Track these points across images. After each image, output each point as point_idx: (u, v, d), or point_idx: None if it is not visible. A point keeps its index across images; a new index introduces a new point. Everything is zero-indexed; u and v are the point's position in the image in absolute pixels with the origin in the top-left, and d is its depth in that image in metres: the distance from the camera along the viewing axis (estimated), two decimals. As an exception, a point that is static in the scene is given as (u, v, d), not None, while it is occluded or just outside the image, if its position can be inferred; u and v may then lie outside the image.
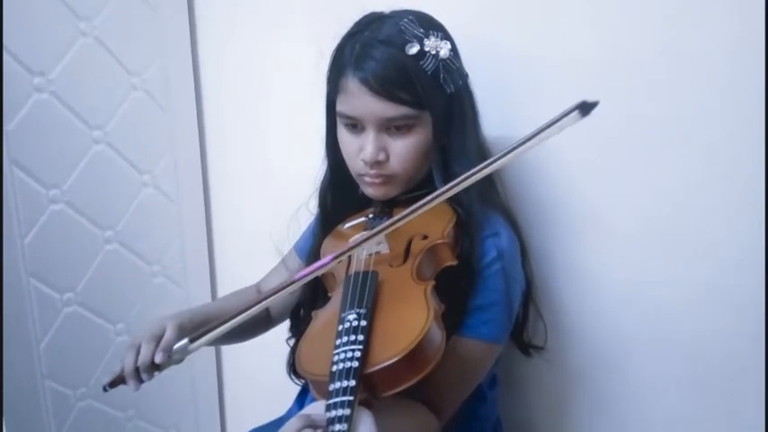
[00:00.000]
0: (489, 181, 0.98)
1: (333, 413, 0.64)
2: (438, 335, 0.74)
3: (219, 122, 1.71)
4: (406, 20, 0.91)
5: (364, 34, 0.92)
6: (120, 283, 1.64)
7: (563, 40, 1.05)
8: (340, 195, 1.06)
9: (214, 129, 1.72)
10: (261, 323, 1.19)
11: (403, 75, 0.89)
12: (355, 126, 0.95)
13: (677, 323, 1.02)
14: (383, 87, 0.89)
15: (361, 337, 0.71)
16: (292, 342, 1.11)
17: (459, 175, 0.91)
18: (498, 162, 0.78)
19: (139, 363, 0.89)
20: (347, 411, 0.63)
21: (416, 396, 0.87)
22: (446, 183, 0.93)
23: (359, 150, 0.95)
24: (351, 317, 0.75)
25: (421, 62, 0.89)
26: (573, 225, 1.10)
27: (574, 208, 1.09)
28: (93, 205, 1.55)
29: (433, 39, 0.90)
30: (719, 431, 1.01)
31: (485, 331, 0.92)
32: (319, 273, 0.83)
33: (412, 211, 0.80)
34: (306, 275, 0.82)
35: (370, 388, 0.70)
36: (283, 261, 1.21)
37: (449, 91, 0.92)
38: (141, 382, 0.90)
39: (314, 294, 1.03)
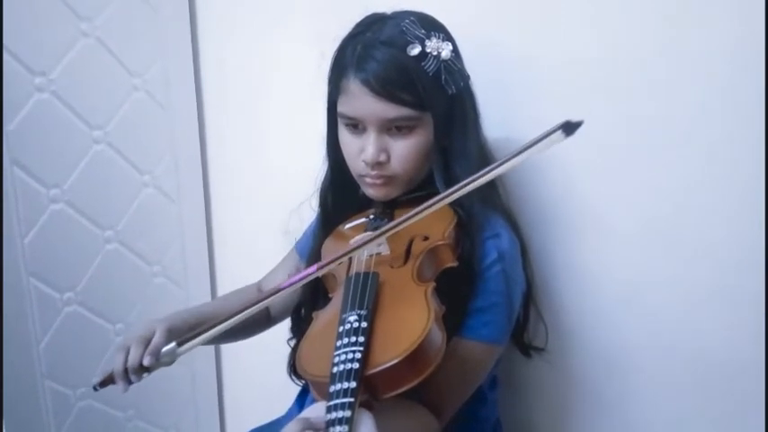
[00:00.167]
0: (490, 182, 0.98)
1: (333, 415, 0.64)
2: (439, 336, 0.73)
3: (220, 123, 1.71)
4: (407, 21, 0.91)
5: (366, 35, 0.92)
6: (121, 283, 1.64)
7: (563, 41, 1.05)
8: (341, 196, 1.06)
9: (214, 129, 1.72)
10: (260, 322, 1.19)
11: (404, 76, 0.88)
12: (356, 127, 0.94)
13: (678, 324, 1.02)
14: (384, 88, 0.88)
15: (361, 339, 0.71)
16: (293, 342, 1.11)
17: (460, 177, 0.92)
18: (484, 177, 0.80)
19: (128, 365, 0.90)
20: (348, 413, 0.63)
21: (417, 397, 0.87)
22: (447, 184, 0.94)
23: (360, 151, 0.94)
24: (351, 318, 0.75)
25: (422, 63, 0.89)
26: (573, 226, 1.10)
27: (574, 209, 1.09)
28: (93, 205, 1.55)
29: (434, 40, 0.90)
30: (720, 431, 1.02)
31: (485, 333, 0.92)
32: (305, 281, 0.84)
33: (413, 215, 0.80)
34: (292, 284, 0.83)
35: (370, 389, 0.70)
36: (285, 260, 1.22)
37: (450, 92, 0.92)
38: (130, 383, 0.91)
39: (314, 295, 1.03)
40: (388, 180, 0.96)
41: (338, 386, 0.66)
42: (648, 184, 1.00)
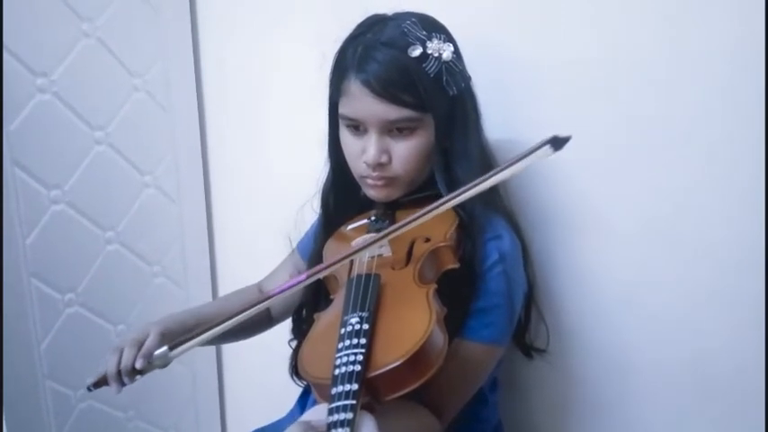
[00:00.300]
0: None
1: (335, 417, 0.63)
2: (440, 338, 0.73)
3: (221, 123, 1.71)
4: (408, 22, 0.91)
5: (366, 36, 0.92)
6: (122, 284, 1.64)
7: (563, 41, 1.05)
8: (342, 197, 1.06)
9: (215, 130, 1.72)
10: (261, 323, 1.19)
11: (405, 77, 0.88)
12: (357, 128, 0.94)
13: (678, 324, 1.02)
14: (385, 89, 0.88)
15: (363, 341, 0.71)
16: (294, 343, 1.11)
17: (461, 178, 0.93)
18: (473, 189, 0.80)
19: (121, 367, 0.90)
20: (350, 415, 0.63)
21: (418, 399, 0.87)
22: (448, 185, 0.94)
23: (361, 152, 0.95)
24: (353, 320, 0.74)
25: (423, 64, 0.89)
26: (574, 227, 1.10)
27: (575, 210, 1.09)
28: (94, 206, 1.55)
29: (435, 41, 0.90)
30: (721, 431, 1.02)
31: (486, 334, 0.92)
32: (296, 288, 0.84)
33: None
34: (282, 291, 0.84)
35: (372, 391, 0.70)
36: (287, 259, 1.22)
37: (451, 93, 0.92)
38: (123, 384, 0.92)
39: (316, 296, 1.03)
40: (390, 181, 0.96)
41: (340, 388, 0.66)
42: (648, 185, 1.00)
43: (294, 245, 1.20)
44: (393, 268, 0.87)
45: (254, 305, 0.84)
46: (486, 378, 0.99)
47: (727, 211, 0.94)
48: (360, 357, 0.69)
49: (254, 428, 1.17)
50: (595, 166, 1.05)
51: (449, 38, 0.93)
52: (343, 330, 0.74)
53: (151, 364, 0.90)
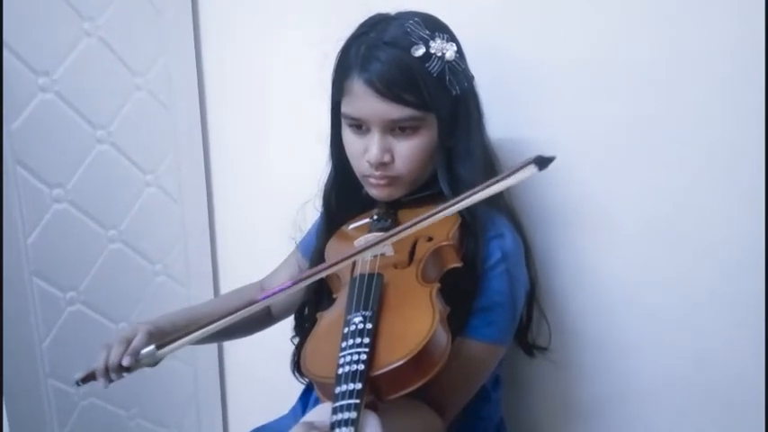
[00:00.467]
0: None
1: (339, 416, 0.64)
2: (444, 337, 0.73)
3: (222, 122, 1.71)
4: (411, 21, 0.91)
5: (369, 36, 0.92)
6: (123, 283, 1.64)
7: (564, 41, 1.05)
8: (344, 196, 1.06)
9: (217, 129, 1.72)
10: (261, 321, 1.19)
11: (408, 76, 0.88)
12: (360, 127, 0.95)
13: (679, 324, 1.02)
14: (388, 89, 0.89)
15: (366, 340, 0.71)
16: (296, 341, 1.11)
17: (464, 177, 0.93)
18: (457, 205, 0.80)
19: (108, 363, 0.92)
20: (353, 414, 0.63)
21: (421, 397, 0.87)
22: (451, 184, 0.95)
23: (364, 151, 0.95)
24: (356, 319, 0.75)
25: (426, 64, 0.89)
26: (575, 226, 1.10)
27: (576, 209, 1.09)
28: (96, 204, 1.55)
29: (438, 41, 0.90)
30: (721, 431, 1.02)
31: (489, 333, 0.92)
32: (284, 294, 0.86)
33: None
34: (271, 295, 0.85)
35: (375, 390, 0.70)
36: (290, 257, 1.22)
37: (454, 93, 0.92)
38: (110, 381, 0.94)
39: (318, 295, 1.03)
40: (392, 180, 0.96)
41: (344, 387, 0.66)
42: (649, 184, 1.01)
43: (297, 243, 1.21)
44: (396, 267, 0.87)
45: (243, 308, 0.86)
46: (489, 376, 0.99)
47: (727, 211, 0.94)
48: (363, 356, 0.69)
49: (255, 426, 1.18)
50: (596, 166, 1.06)
51: (452, 37, 0.93)
52: (346, 329, 0.74)
53: (138, 362, 0.92)
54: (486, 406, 1.04)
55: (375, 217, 1.01)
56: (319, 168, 1.08)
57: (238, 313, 0.86)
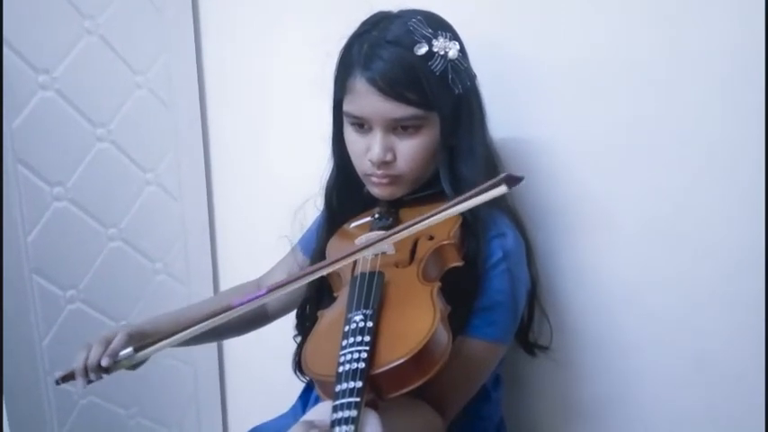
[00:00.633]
0: None
1: (339, 414, 0.64)
2: (444, 336, 0.73)
3: (223, 121, 1.71)
4: (414, 20, 0.90)
5: (372, 34, 0.92)
6: (123, 281, 1.64)
7: (564, 41, 1.05)
8: (346, 195, 1.06)
9: (217, 127, 1.72)
10: (256, 320, 1.19)
11: (411, 75, 0.88)
12: (362, 126, 0.94)
13: (679, 324, 1.02)
14: (391, 88, 0.88)
15: (367, 339, 0.71)
16: (298, 339, 1.11)
17: (466, 176, 0.93)
18: (433, 218, 0.80)
19: (87, 363, 0.93)
20: (354, 413, 0.63)
21: (421, 396, 0.87)
22: (453, 183, 0.95)
23: (366, 150, 0.95)
24: (357, 318, 0.75)
25: (429, 63, 0.89)
26: (576, 225, 1.10)
27: (577, 208, 1.09)
28: (96, 203, 1.55)
29: (441, 39, 0.90)
30: (721, 431, 1.02)
31: (490, 332, 0.92)
32: (267, 299, 0.86)
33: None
34: (243, 303, 0.85)
35: (376, 389, 0.70)
36: (287, 256, 1.22)
37: (457, 92, 0.92)
38: (89, 381, 0.94)
39: (319, 293, 1.04)
40: (394, 179, 0.96)
41: (344, 386, 0.66)
42: (649, 184, 1.01)
43: (293, 243, 1.21)
44: (397, 266, 0.87)
45: (218, 314, 0.86)
46: (489, 375, 0.99)
47: (727, 211, 0.94)
48: (364, 355, 0.69)
49: (255, 425, 1.18)
50: (596, 165, 1.06)
51: (454, 36, 0.93)
52: (347, 328, 0.74)
53: (117, 363, 0.93)
54: (486, 405, 1.04)
55: (376, 216, 1.01)
56: (320, 167, 1.08)
57: (214, 319, 0.87)
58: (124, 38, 1.52)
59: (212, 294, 1.81)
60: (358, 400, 0.65)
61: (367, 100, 0.91)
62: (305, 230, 1.21)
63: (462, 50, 0.93)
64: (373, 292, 0.79)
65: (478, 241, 0.92)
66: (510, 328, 0.97)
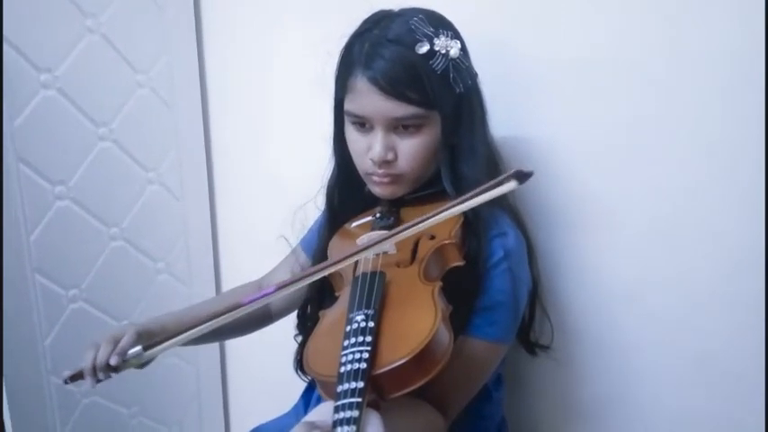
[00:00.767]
0: None
1: (341, 414, 0.64)
2: (446, 336, 0.73)
3: (224, 120, 1.71)
4: (415, 18, 0.90)
5: (373, 33, 0.91)
6: (125, 280, 1.64)
7: (565, 40, 1.05)
8: (347, 194, 1.06)
9: (219, 126, 1.72)
10: (260, 320, 1.19)
11: (412, 74, 0.88)
12: (364, 125, 0.94)
13: (680, 324, 1.02)
14: (392, 87, 0.88)
15: (369, 339, 0.71)
16: (300, 339, 1.11)
17: (467, 175, 0.93)
18: (437, 217, 0.79)
19: (96, 363, 0.92)
20: (355, 413, 0.63)
21: (423, 396, 0.87)
22: (454, 182, 0.94)
23: (367, 149, 0.94)
24: (358, 318, 0.74)
25: (431, 61, 0.89)
26: (577, 225, 1.10)
27: (578, 208, 1.09)
28: (98, 202, 1.55)
29: (443, 38, 0.90)
30: (721, 431, 1.02)
31: (491, 331, 0.92)
32: (274, 298, 0.85)
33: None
34: (252, 302, 0.85)
35: (377, 389, 0.70)
36: (289, 257, 1.22)
37: (458, 90, 0.92)
38: (98, 380, 0.94)
39: (321, 293, 1.03)
40: (395, 178, 0.96)
41: (346, 386, 0.66)
42: (649, 184, 1.01)
43: (292, 244, 1.21)
44: (398, 266, 0.87)
45: (226, 312, 0.86)
46: (491, 375, 0.99)
47: (727, 212, 0.94)
48: (365, 355, 0.69)
49: (257, 424, 1.18)
50: (597, 165, 1.06)
51: (456, 34, 0.93)
52: (348, 328, 0.74)
53: (126, 362, 0.92)
54: (487, 405, 1.04)
55: (378, 215, 1.01)
56: (321, 166, 1.08)
57: (223, 317, 0.86)
58: (126, 37, 1.52)
59: (214, 294, 1.81)
60: (359, 400, 0.65)
61: (368, 99, 0.90)
62: (306, 230, 1.21)
63: (464, 49, 0.93)
64: (375, 292, 0.79)
65: (479, 241, 0.92)
66: (511, 328, 0.97)
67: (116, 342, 0.93)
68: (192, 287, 1.77)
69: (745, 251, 0.94)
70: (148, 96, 1.59)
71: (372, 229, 0.97)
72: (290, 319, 1.16)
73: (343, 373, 0.68)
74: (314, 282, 0.89)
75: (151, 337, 0.94)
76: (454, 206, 0.78)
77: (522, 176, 0.72)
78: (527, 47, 1.10)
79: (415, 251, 0.89)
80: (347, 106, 0.95)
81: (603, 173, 1.06)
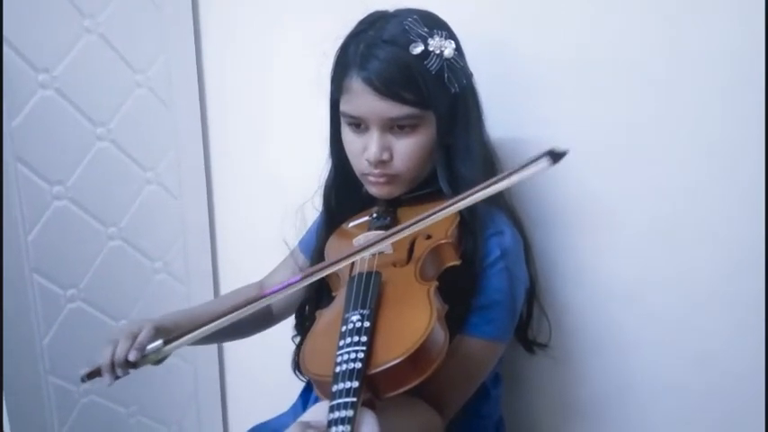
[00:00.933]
0: None
1: (336, 414, 0.64)
2: (441, 335, 0.74)
3: (223, 119, 1.71)
4: (410, 19, 0.90)
5: (368, 33, 0.92)
6: (123, 280, 1.64)
7: (563, 40, 1.05)
8: (344, 194, 1.06)
9: (217, 126, 1.72)
10: (261, 321, 1.19)
11: (407, 74, 0.88)
12: (359, 126, 0.94)
13: (679, 324, 1.02)
14: (387, 87, 0.88)
15: (364, 339, 0.71)
16: (298, 339, 1.11)
17: (463, 175, 0.93)
18: (470, 198, 0.79)
19: (114, 359, 0.91)
20: (350, 413, 0.63)
21: (420, 394, 0.87)
22: (450, 182, 0.94)
23: (363, 150, 0.94)
24: (354, 318, 0.75)
25: (425, 62, 0.89)
26: (576, 224, 1.10)
27: (577, 208, 1.09)
28: (96, 202, 1.55)
29: (437, 38, 0.90)
30: (721, 431, 1.02)
31: (488, 330, 0.92)
32: (292, 290, 0.85)
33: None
34: (277, 291, 0.84)
35: (373, 389, 0.70)
36: (288, 258, 1.21)
37: (453, 90, 0.92)
38: (116, 377, 0.92)
39: (319, 293, 1.03)
40: (391, 179, 0.96)
41: (341, 386, 0.66)
42: (649, 184, 1.01)
43: (290, 246, 1.20)
44: (394, 266, 0.87)
45: (249, 303, 0.85)
46: (488, 374, 0.99)
47: (727, 211, 0.94)
48: (360, 355, 0.69)
49: (255, 423, 1.18)
50: (596, 165, 1.06)
51: (450, 34, 0.93)
52: (344, 328, 0.74)
53: (145, 357, 0.91)
54: (485, 404, 1.04)
55: (375, 215, 1.01)
56: (319, 166, 1.08)
57: (246, 308, 0.85)
58: (124, 37, 1.52)
59: (212, 293, 1.82)
60: (354, 400, 0.65)
61: (363, 100, 0.91)
62: (305, 231, 1.21)
63: (458, 49, 0.93)
64: (370, 292, 0.79)
65: (476, 240, 0.92)
66: (508, 327, 0.97)
67: (134, 337, 0.92)
68: (190, 286, 1.77)
69: (745, 251, 0.94)
70: (147, 96, 1.59)
71: (369, 230, 0.97)
72: (289, 319, 1.16)
73: (338, 373, 0.68)
74: (311, 282, 0.89)
75: (168, 333, 0.93)
76: (489, 186, 0.78)
77: (556, 156, 0.72)
78: (527, 47, 1.10)
79: (411, 251, 0.89)
80: (343, 107, 0.95)
81: (602, 173, 1.05)
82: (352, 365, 0.68)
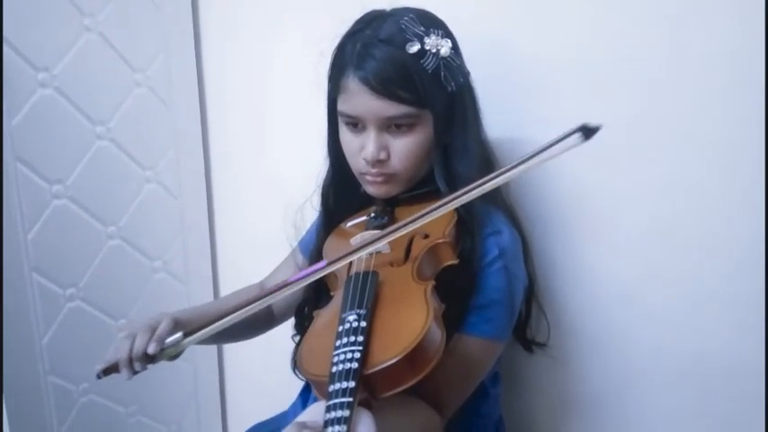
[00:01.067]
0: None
1: (332, 414, 0.64)
2: (438, 335, 0.73)
3: (222, 119, 1.71)
4: (406, 18, 0.90)
5: (365, 33, 0.91)
6: (123, 279, 1.64)
7: (563, 40, 1.05)
8: (342, 194, 1.06)
9: (217, 125, 1.72)
10: (263, 321, 1.19)
11: (403, 73, 0.88)
12: (356, 125, 0.94)
13: (679, 323, 1.02)
14: (384, 86, 0.88)
15: (360, 338, 0.71)
16: (297, 339, 1.11)
17: (461, 174, 0.93)
18: (500, 177, 0.79)
19: (133, 353, 0.90)
20: (346, 413, 0.63)
21: (419, 394, 0.87)
22: (448, 181, 0.94)
23: (360, 149, 0.94)
24: (351, 318, 0.74)
25: (422, 61, 0.89)
26: (575, 224, 1.10)
27: (576, 207, 1.09)
28: (96, 201, 1.55)
29: (433, 37, 0.90)
30: (721, 430, 1.01)
31: (487, 329, 0.92)
32: (298, 286, 0.84)
33: (417, 218, 0.80)
34: (299, 279, 0.83)
35: (370, 388, 0.70)
36: (288, 258, 1.22)
37: (450, 89, 0.92)
38: (135, 372, 0.91)
39: (317, 293, 1.03)
40: (389, 178, 0.96)
41: (337, 386, 0.66)
42: (649, 184, 1.00)
43: (292, 245, 1.20)
44: (392, 265, 0.87)
45: (272, 292, 0.84)
46: (487, 373, 0.99)
47: (727, 211, 0.94)
48: (357, 355, 0.69)
49: (254, 423, 1.17)
50: (596, 165, 1.05)
51: (447, 33, 0.93)
52: (341, 328, 0.74)
53: (163, 351, 0.89)
54: (484, 403, 1.04)
55: (372, 214, 1.01)
56: (319, 165, 1.08)
57: (268, 297, 0.84)
58: (124, 36, 1.52)
59: (211, 293, 1.82)
60: (350, 400, 0.65)
61: (360, 99, 0.90)
62: (304, 231, 1.20)
63: (455, 48, 0.93)
64: (367, 292, 0.79)
65: (474, 239, 0.92)
66: (507, 326, 0.97)
67: (153, 330, 0.91)
68: (190, 286, 1.77)
69: (745, 251, 0.93)
70: (146, 95, 1.59)
71: (366, 229, 0.97)
72: (286, 322, 1.16)
73: (334, 373, 0.68)
74: (310, 282, 0.89)
75: (186, 326, 0.91)
76: (516, 167, 0.78)
77: (589, 131, 0.71)
78: (526, 46, 1.10)
79: (408, 250, 0.89)
80: (340, 106, 0.95)
81: (602, 172, 1.05)
82: (348, 365, 0.68)
